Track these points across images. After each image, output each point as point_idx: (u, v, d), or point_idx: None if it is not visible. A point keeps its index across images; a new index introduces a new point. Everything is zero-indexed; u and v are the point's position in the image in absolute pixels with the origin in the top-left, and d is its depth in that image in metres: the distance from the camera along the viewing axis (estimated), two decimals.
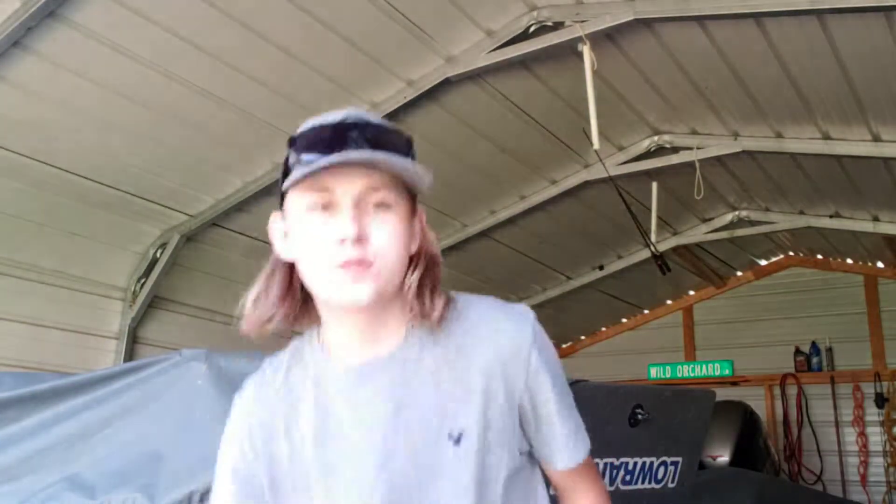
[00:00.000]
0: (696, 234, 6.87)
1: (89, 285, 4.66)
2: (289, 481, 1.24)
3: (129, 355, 4.73)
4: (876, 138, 4.67)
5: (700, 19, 3.80)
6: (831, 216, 6.28)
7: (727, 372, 7.85)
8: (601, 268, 7.20)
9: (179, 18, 3.39)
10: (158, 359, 2.41)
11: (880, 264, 7.42)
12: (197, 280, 5.18)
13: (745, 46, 3.98)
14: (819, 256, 7.79)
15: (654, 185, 5.60)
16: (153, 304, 4.93)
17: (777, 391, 7.67)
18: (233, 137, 4.23)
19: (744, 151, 5.16)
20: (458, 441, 1.20)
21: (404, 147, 1.19)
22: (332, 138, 1.14)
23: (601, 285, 7.48)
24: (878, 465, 7.17)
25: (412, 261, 1.24)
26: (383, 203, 1.17)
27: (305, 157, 1.15)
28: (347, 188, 1.15)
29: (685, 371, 7.93)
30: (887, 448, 7.09)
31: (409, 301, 1.23)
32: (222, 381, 2.31)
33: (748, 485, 4.33)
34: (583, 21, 3.85)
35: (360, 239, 1.14)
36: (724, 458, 6.19)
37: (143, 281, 4.79)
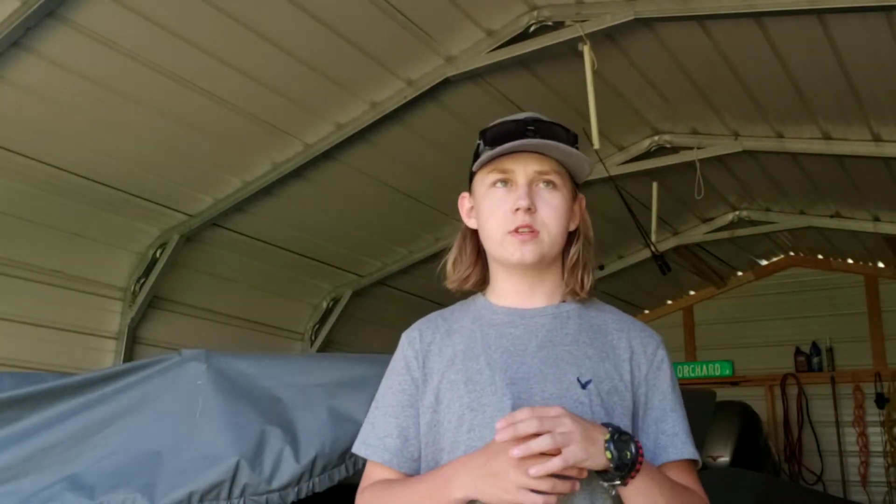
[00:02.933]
0: (697, 234, 6.86)
1: (89, 285, 4.65)
2: (444, 387, 1.45)
3: (129, 355, 4.72)
4: (876, 138, 4.67)
5: (700, 19, 3.80)
6: (832, 216, 6.27)
7: (727, 372, 7.85)
8: (601, 268, 7.19)
9: (179, 18, 3.39)
10: (158, 359, 2.41)
11: (881, 264, 7.42)
12: (197, 280, 5.17)
13: (745, 46, 3.98)
14: (819, 256, 7.78)
15: (655, 184, 5.59)
16: (153, 304, 4.92)
17: (777, 391, 7.66)
18: (233, 137, 4.23)
19: (744, 151, 5.16)
20: (584, 386, 1.39)
21: (570, 140, 1.47)
22: (515, 131, 1.46)
23: (601, 285, 7.46)
24: (878, 465, 7.17)
25: (571, 237, 1.52)
26: (551, 183, 1.46)
27: (493, 145, 1.45)
28: (523, 170, 1.45)
29: (685, 371, 7.93)
30: (888, 448, 7.09)
31: (565, 272, 1.51)
32: (222, 381, 2.30)
33: (748, 485, 4.32)
34: (583, 21, 3.84)
35: (530, 210, 1.42)
36: (724, 458, 6.18)
37: (142, 281, 4.78)
